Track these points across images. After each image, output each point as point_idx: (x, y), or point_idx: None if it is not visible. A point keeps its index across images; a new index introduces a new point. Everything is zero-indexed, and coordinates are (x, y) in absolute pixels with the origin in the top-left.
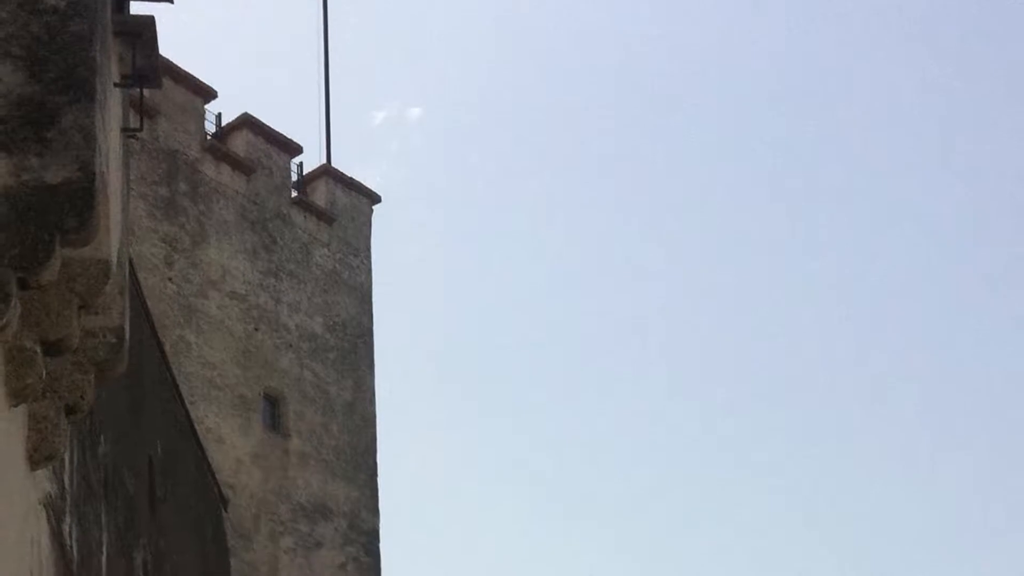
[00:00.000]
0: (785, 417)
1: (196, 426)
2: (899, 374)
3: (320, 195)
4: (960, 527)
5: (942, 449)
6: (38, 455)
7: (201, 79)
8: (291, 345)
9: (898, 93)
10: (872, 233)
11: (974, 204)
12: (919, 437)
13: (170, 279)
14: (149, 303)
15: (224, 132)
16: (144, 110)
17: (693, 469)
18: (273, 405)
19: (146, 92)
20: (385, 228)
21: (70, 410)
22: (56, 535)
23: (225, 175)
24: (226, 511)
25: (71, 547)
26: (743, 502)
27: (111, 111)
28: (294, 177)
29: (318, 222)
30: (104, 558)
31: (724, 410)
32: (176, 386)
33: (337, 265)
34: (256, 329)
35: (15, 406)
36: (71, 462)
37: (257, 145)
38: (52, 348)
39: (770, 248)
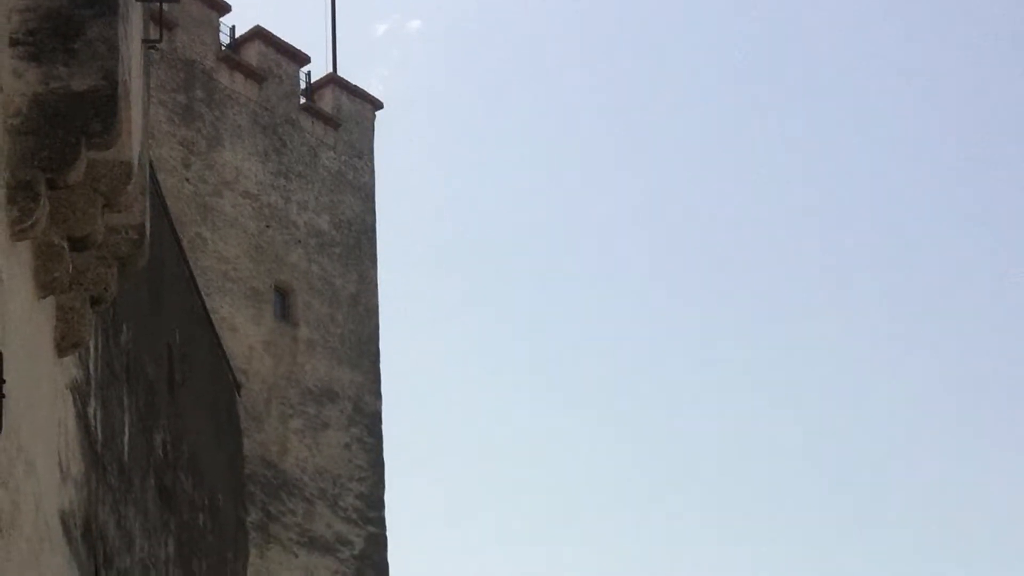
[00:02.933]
0: (757, 307)
1: (211, 316)
2: (863, 267)
3: (326, 102)
4: (921, 418)
5: (904, 342)
6: (65, 343)
7: None
8: (300, 241)
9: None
10: (837, 133)
11: (936, 103)
12: (881, 329)
13: (187, 180)
14: (168, 202)
15: (237, 43)
16: (163, 23)
17: (676, 358)
18: (283, 296)
19: (165, 6)
20: (387, 132)
21: (95, 301)
22: (81, 417)
23: (238, 83)
24: (239, 395)
25: (95, 428)
26: (724, 386)
27: (133, 24)
28: (302, 85)
29: (325, 127)
30: (126, 438)
31: (704, 301)
32: (193, 279)
33: (342, 167)
34: (267, 226)
35: (44, 298)
36: (95, 349)
37: (268, 55)
38: (78, 244)
39: (742, 149)
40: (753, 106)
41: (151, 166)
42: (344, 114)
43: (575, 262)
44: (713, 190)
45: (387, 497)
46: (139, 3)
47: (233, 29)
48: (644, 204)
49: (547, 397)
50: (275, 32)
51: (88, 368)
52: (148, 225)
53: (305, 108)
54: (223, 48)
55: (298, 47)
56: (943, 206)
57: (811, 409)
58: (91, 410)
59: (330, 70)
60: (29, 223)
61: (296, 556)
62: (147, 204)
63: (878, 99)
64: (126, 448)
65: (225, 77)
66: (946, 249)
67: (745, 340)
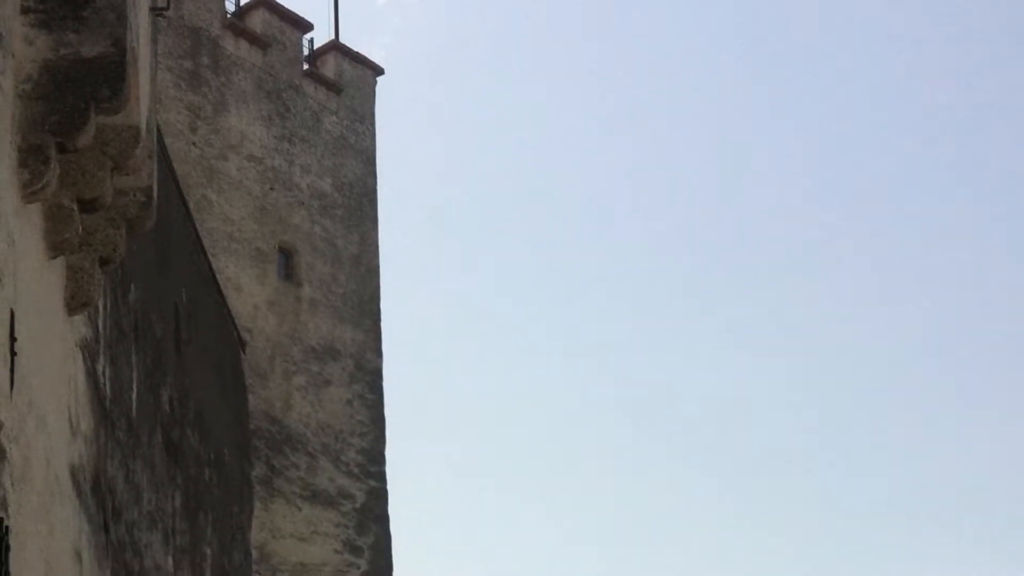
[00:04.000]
0: (750, 266)
1: (217, 276)
2: (850, 224)
3: (329, 68)
4: (908, 376)
5: (893, 294)
6: (75, 302)
7: None
8: (303, 203)
9: None
10: (826, 100)
11: (924, 68)
12: (870, 283)
13: (194, 143)
14: (175, 165)
15: (242, 11)
16: None
17: (671, 315)
18: (287, 257)
19: None
20: (388, 97)
21: (103, 261)
22: (91, 374)
23: (243, 50)
24: (244, 353)
25: (104, 385)
26: (719, 334)
27: None
28: (305, 51)
29: (327, 92)
30: (134, 395)
31: (698, 264)
32: (199, 240)
33: (344, 131)
34: (271, 188)
35: (54, 258)
36: (104, 308)
37: (272, 23)
38: (87, 206)
39: (738, 108)
40: (747, 71)
41: (158, 130)
42: (346, 80)
43: (573, 224)
44: (708, 155)
45: (388, 452)
46: None
47: None
48: (641, 167)
49: (544, 355)
50: (279, 0)
51: (97, 326)
52: (155, 188)
53: (308, 74)
54: (228, 16)
55: (301, 14)
56: (931, 169)
57: (804, 368)
58: (100, 367)
59: (332, 37)
60: (40, 186)
61: (299, 509)
62: (155, 167)
63: (865, 65)
64: (134, 404)
65: (230, 44)
66: (934, 211)
67: (738, 299)
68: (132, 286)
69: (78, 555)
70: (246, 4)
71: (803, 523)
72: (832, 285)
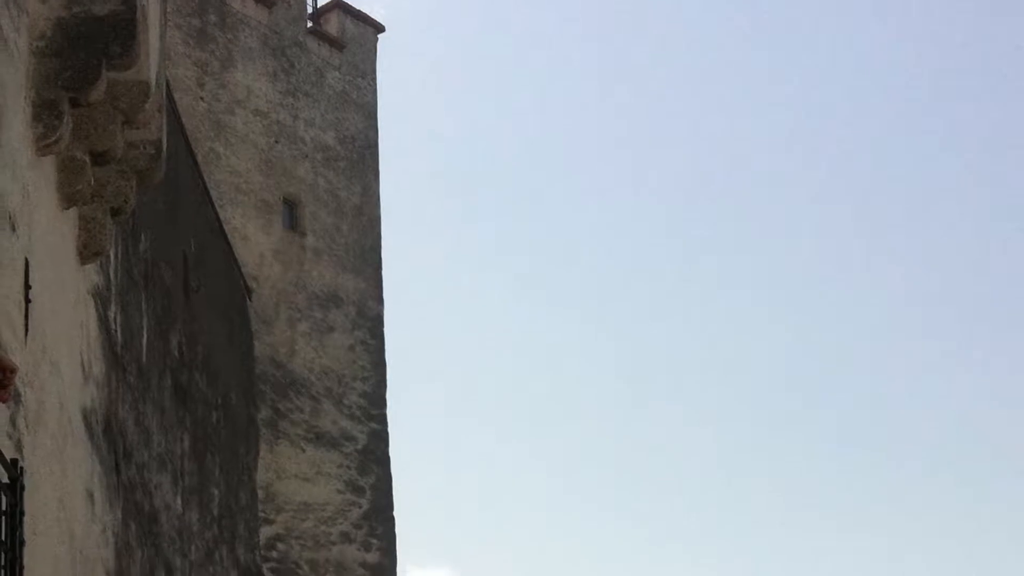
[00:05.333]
0: (740, 225)
1: (224, 226)
2: (837, 184)
3: (332, 25)
4: (888, 330)
5: (875, 257)
6: (87, 251)
7: None
8: (307, 156)
9: None
10: (817, 61)
11: (915, 32)
12: (854, 244)
13: (202, 98)
14: (183, 119)
15: None
16: None
17: (667, 269)
18: (291, 207)
19: None
20: (389, 54)
21: (115, 212)
22: (103, 321)
23: (249, 8)
24: (250, 300)
25: (116, 331)
26: (705, 292)
27: None
28: (309, 10)
29: (330, 49)
30: (144, 340)
31: (693, 220)
32: (207, 191)
33: (347, 87)
34: (276, 142)
35: (67, 209)
36: (116, 257)
37: None
38: (99, 158)
39: (733, 73)
40: (742, 33)
41: (168, 85)
42: (348, 37)
43: (572, 176)
44: (704, 115)
45: (388, 396)
46: None
47: None
48: (643, 122)
49: (541, 303)
50: None
51: (108, 275)
52: (165, 141)
53: (312, 31)
54: None
55: None
56: (917, 130)
57: (793, 320)
58: (111, 314)
59: None
60: (53, 139)
61: (304, 451)
62: (164, 121)
63: (858, 31)
64: (144, 350)
65: (237, 2)
66: (921, 172)
67: (725, 258)
68: (142, 236)
69: (90, 495)
70: None
71: (802, 479)
72: (823, 243)
